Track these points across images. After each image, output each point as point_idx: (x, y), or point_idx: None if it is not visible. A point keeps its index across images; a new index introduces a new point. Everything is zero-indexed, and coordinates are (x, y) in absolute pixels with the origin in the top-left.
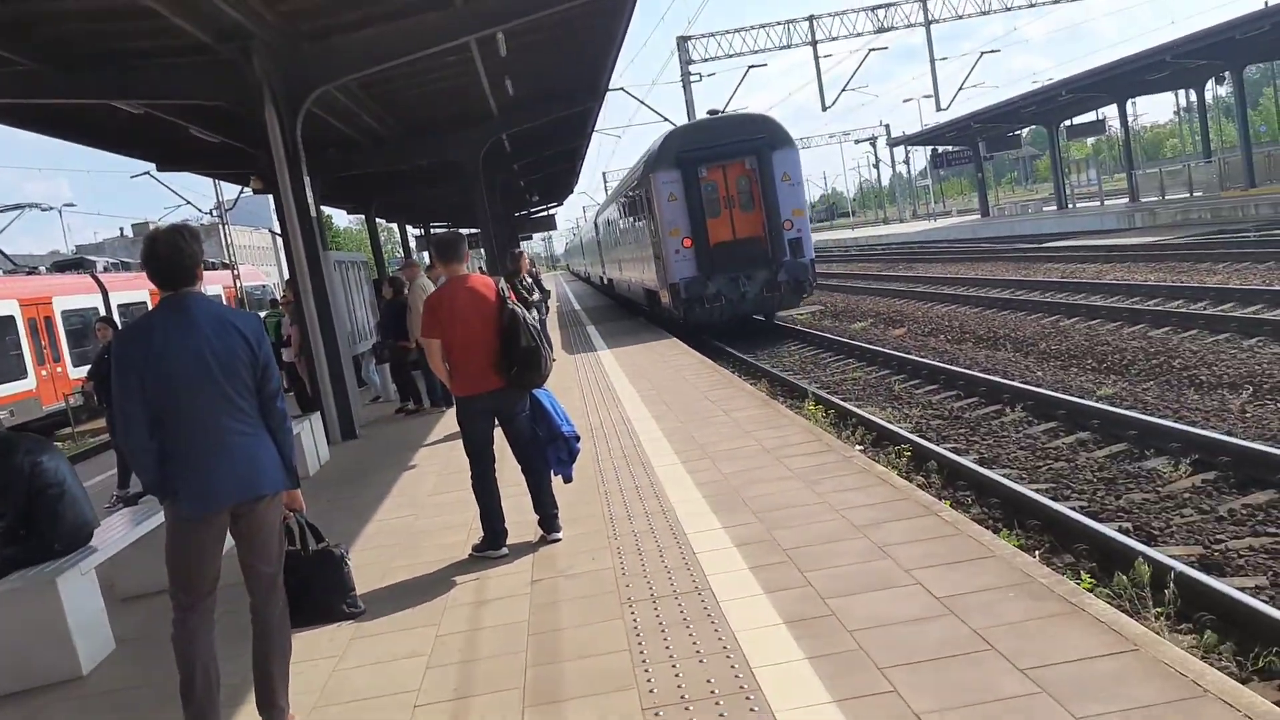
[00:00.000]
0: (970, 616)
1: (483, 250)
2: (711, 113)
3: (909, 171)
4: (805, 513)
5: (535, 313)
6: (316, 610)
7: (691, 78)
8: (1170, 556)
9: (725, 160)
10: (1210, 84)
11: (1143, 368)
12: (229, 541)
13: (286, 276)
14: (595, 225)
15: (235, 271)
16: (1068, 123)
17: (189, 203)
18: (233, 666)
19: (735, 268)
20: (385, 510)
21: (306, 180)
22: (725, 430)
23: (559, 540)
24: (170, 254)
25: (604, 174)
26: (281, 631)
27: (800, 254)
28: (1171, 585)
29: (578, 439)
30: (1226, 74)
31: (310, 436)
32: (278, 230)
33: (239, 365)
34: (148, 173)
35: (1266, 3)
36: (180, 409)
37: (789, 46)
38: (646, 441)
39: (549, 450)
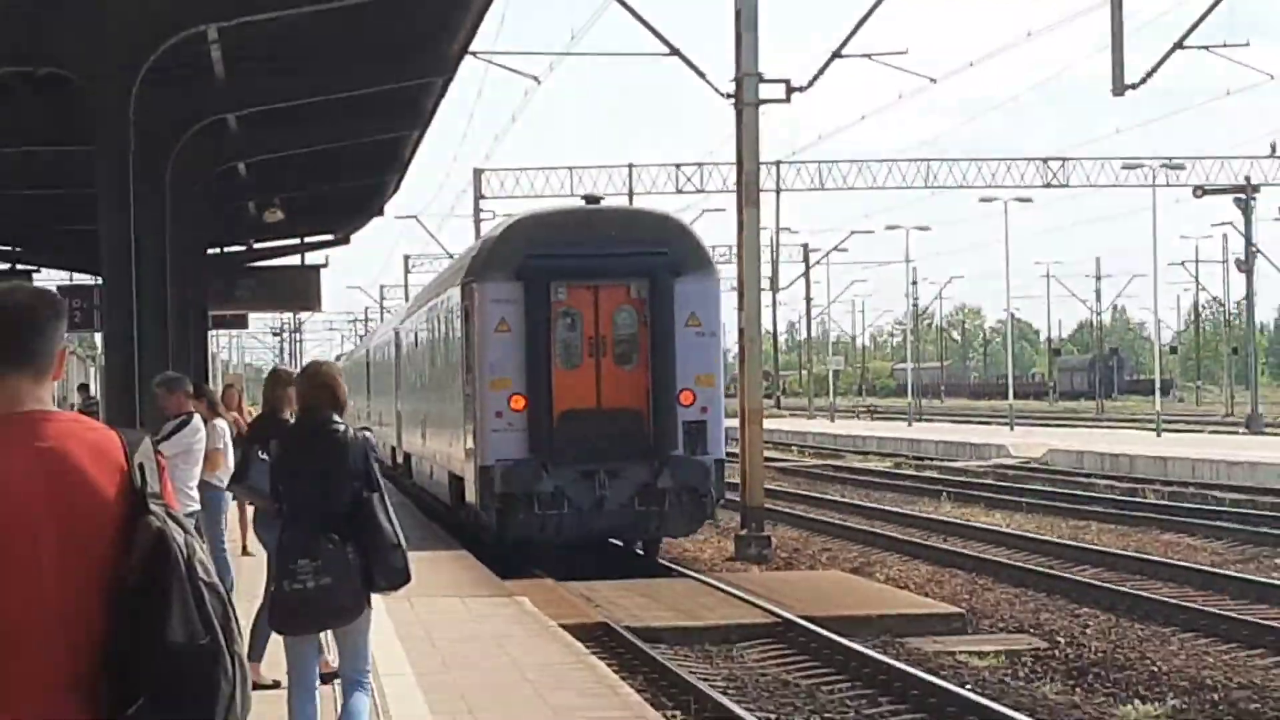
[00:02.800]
0: None
1: (100, 344)
2: (589, 200)
3: None
4: None
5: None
6: None
7: (483, 215)
8: None
9: (600, 279)
10: None
11: None
12: None
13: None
14: (395, 342)
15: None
16: None
17: None
18: None
19: (593, 456)
20: None
21: None
22: None
23: None
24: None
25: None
26: None
27: (701, 447)
28: None
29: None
30: None
31: None
32: None
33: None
34: None
35: None
36: None
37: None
38: None
39: None
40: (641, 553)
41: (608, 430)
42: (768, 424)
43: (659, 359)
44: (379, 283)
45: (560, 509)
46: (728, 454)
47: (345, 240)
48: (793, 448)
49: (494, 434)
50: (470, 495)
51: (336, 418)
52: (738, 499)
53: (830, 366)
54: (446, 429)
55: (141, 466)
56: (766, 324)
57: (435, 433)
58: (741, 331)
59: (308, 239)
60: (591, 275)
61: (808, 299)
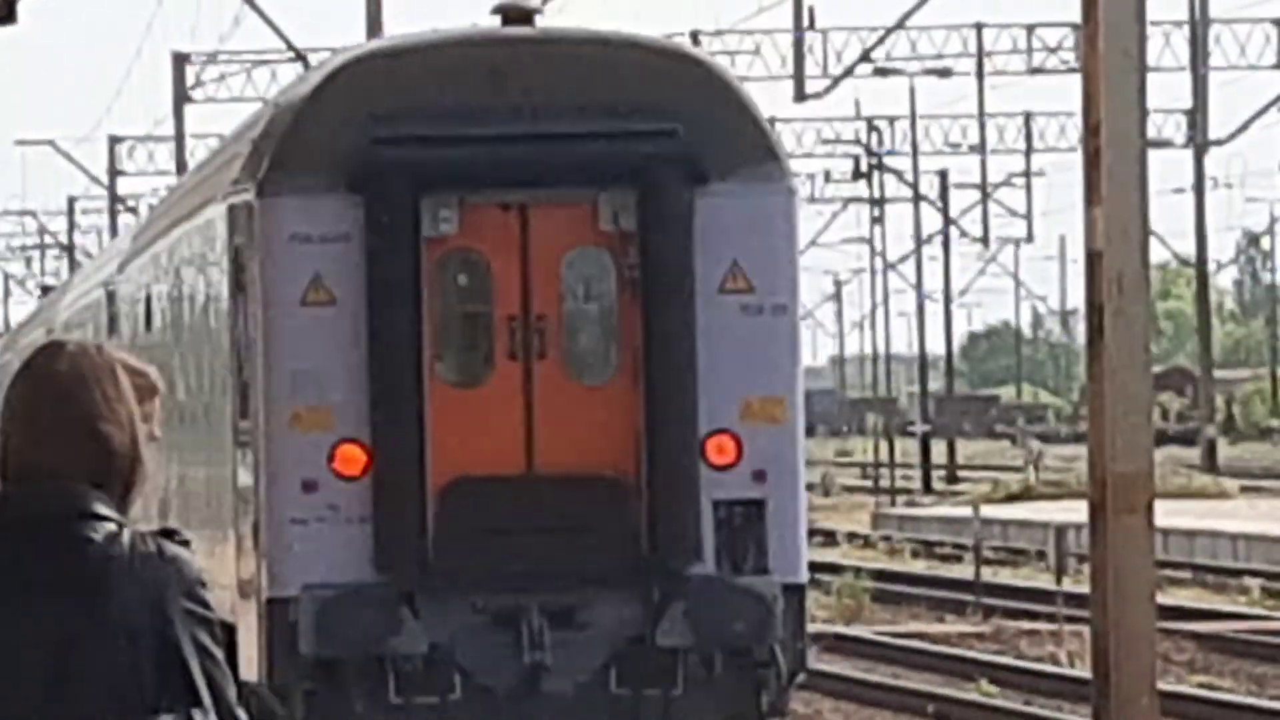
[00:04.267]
0: None
1: None
2: (510, 16)
3: None
4: None
5: None
6: None
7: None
8: None
9: (531, 191)
10: None
11: None
12: None
13: None
14: (106, 312)
15: None
16: None
17: None
18: None
19: (516, 578)
20: None
21: None
22: None
23: None
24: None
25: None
26: None
27: (755, 558)
28: None
29: None
30: None
31: None
32: None
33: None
34: None
35: None
36: None
37: None
38: None
39: None
40: None
41: (548, 521)
42: (1178, 514)
43: (662, 364)
44: (105, 132)
45: (445, 693)
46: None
47: (7, 16)
48: (1243, 578)
49: (298, 529)
50: (250, 666)
51: (101, 505)
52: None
53: None
54: (197, 520)
55: None
56: (1167, 221)
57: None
58: (1093, 258)
59: None
60: (513, 181)
61: None
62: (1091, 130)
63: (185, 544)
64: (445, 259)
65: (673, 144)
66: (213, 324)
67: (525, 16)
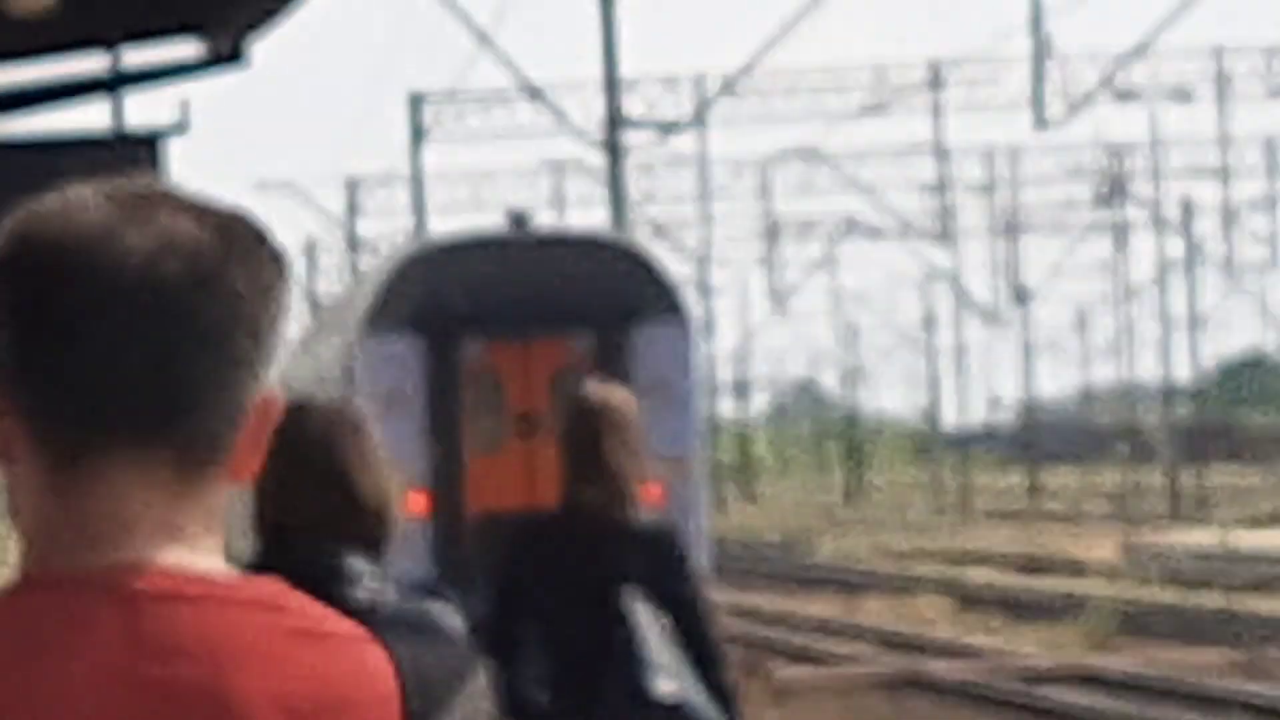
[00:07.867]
0: None
1: None
2: (515, 221)
3: None
4: None
5: None
6: None
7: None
8: None
9: (529, 333)
10: None
11: None
12: None
13: None
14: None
15: None
16: None
17: None
18: None
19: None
20: None
21: None
22: None
23: None
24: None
25: None
26: None
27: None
28: None
29: None
30: None
31: None
32: None
33: None
34: None
35: None
36: None
37: None
38: None
39: None
40: None
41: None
42: None
43: None
44: (342, 171)
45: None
46: None
47: (234, 56)
48: None
49: None
50: None
51: (356, 562)
52: None
53: None
54: None
55: None
56: None
57: None
58: None
59: (131, 62)
60: (518, 327)
61: None
62: None
63: (449, 604)
64: (476, 376)
65: (615, 304)
66: None
67: (522, 221)
